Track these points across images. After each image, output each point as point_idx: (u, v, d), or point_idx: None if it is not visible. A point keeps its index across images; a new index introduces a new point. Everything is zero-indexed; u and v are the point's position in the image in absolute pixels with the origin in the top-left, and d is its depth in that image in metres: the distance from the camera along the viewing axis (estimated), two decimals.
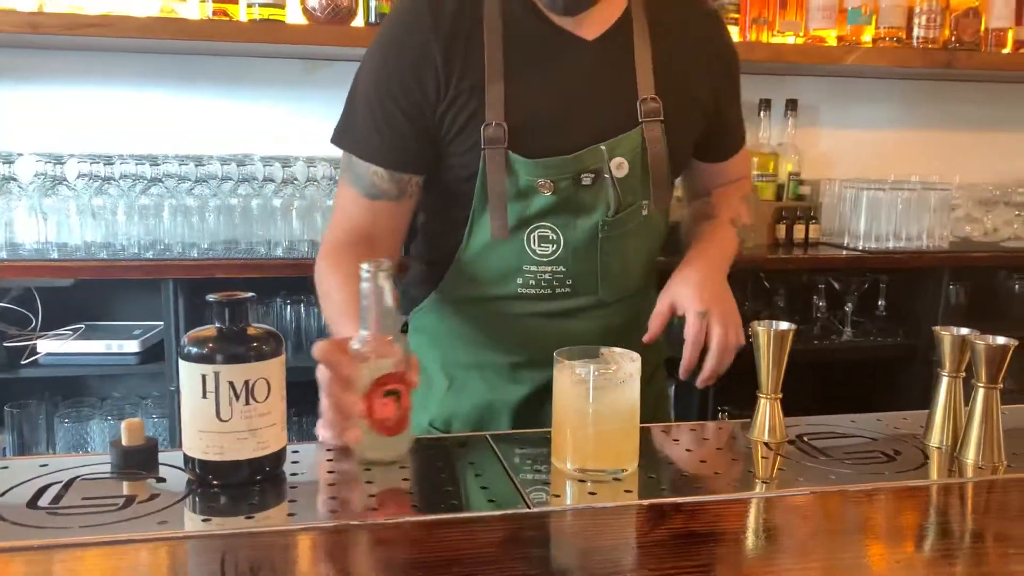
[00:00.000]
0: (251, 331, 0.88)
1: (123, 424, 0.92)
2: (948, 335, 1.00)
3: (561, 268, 1.17)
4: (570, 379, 0.91)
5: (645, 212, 1.18)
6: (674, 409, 2.33)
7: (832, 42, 2.28)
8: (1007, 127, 2.69)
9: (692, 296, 1.15)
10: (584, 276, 1.18)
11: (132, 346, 2.00)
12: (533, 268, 1.16)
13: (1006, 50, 2.39)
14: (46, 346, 1.98)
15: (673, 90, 1.17)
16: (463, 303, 1.22)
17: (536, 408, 1.20)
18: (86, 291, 2.06)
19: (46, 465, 0.91)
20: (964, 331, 1.00)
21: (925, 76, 2.53)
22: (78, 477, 0.88)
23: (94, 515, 0.80)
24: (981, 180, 2.60)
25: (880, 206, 2.33)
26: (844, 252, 2.36)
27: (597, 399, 0.90)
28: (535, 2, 1.13)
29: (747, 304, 2.46)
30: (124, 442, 0.91)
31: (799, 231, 2.41)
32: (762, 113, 2.43)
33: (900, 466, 0.96)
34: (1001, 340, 0.96)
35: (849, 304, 2.43)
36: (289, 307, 2.14)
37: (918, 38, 2.32)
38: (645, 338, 1.15)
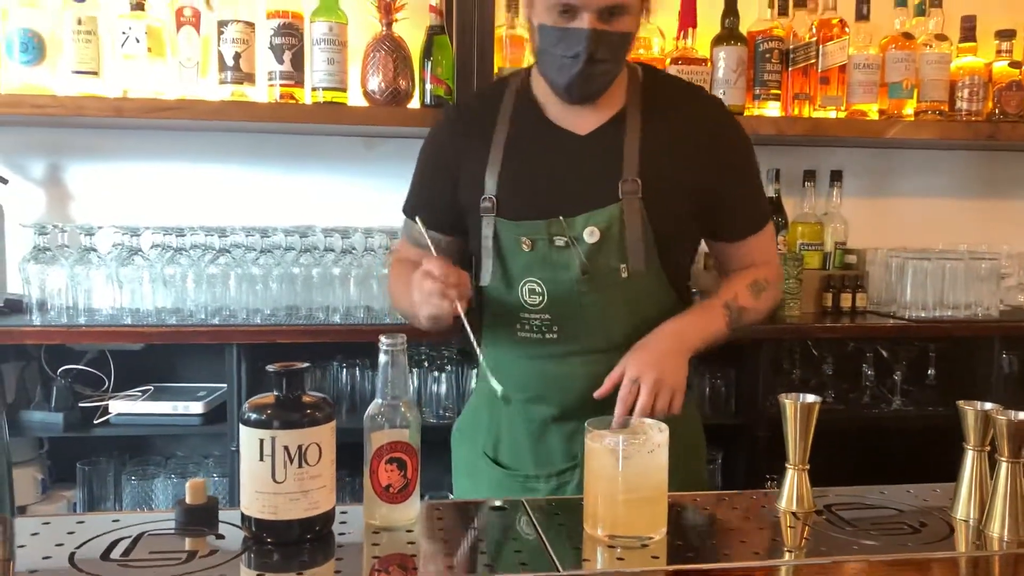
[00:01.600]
0: (306, 399, 0.96)
1: (188, 484, 1.00)
2: (971, 410, 1.03)
3: (547, 316, 1.38)
4: (601, 448, 0.96)
5: (624, 275, 1.36)
6: (721, 476, 2.34)
7: (874, 116, 2.32)
8: None
9: (633, 362, 1.30)
10: (568, 325, 1.38)
11: (197, 407, 2.09)
12: (526, 315, 1.40)
13: None
14: (117, 406, 2.08)
15: (657, 171, 1.36)
16: (491, 340, 1.46)
17: (538, 441, 1.41)
18: (156, 354, 2.18)
19: (117, 520, 1.00)
20: (988, 406, 1.03)
21: (971, 147, 2.55)
22: (146, 532, 0.96)
23: (159, 568, 0.87)
24: None
25: (927, 275, 2.34)
26: (891, 321, 2.36)
27: (626, 468, 0.95)
28: (541, 106, 1.42)
29: (796, 372, 2.47)
30: (188, 500, 0.99)
31: (846, 300, 2.42)
32: (807, 183, 2.47)
33: (925, 538, 0.99)
34: (1022, 415, 0.99)
35: (898, 373, 2.43)
36: (345, 371, 2.22)
37: (961, 111, 2.35)
38: (596, 393, 1.30)
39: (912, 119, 2.34)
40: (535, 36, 1.36)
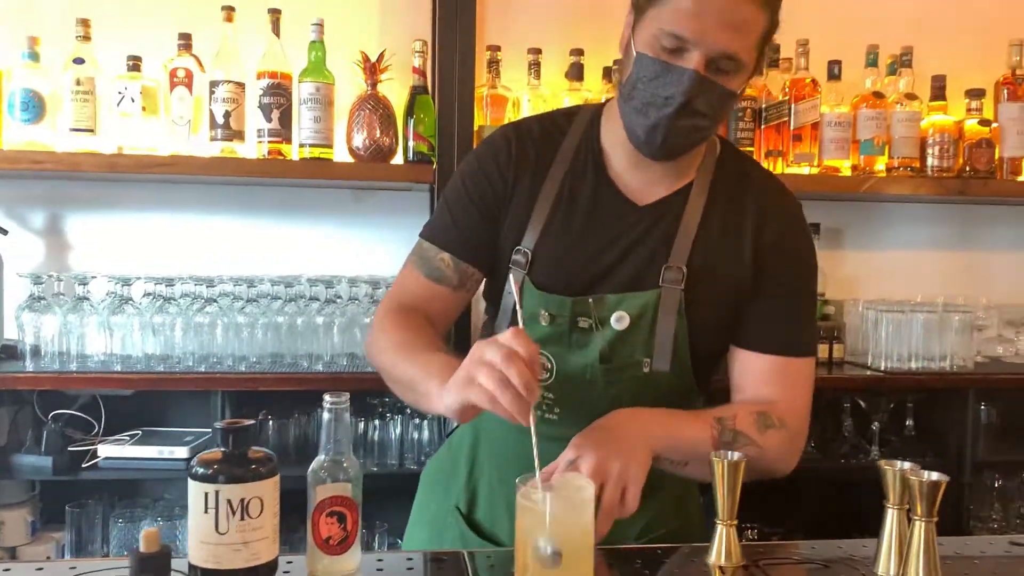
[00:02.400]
0: (251, 455, 1.02)
1: (142, 533, 1.05)
2: (890, 469, 1.08)
3: (551, 395, 1.27)
4: (528, 505, 1.01)
5: (646, 370, 1.24)
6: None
7: (846, 172, 2.38)
8: None
9: (577, 440, 1.13)
10: (573, 409, 1.26)
11: (182, 452, 2.14)
12: None
13: (1022, 177, 2.45)
14: (106, 450, 2.14)
15: (706, 263, 1.24)
16: None
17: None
18: (144, 400, 2.24)
19: (74, 568, 1.05)
20: (907, 465, 1.08)
21: (945, 201, 2.60)
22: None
23: None
24: (1010, 301, 2.62)
25: (901, 327, 2.38)
26: (868, 372, 2.40)
27: (553, 524, 1.00)
28: (606, 157, 1.28)
29: None
30: (141, 549, 1.05)
31: (823, 350, 2.46)
32: None
33: None
34: (935, 476, 1.03)
35: (876, 424, 2.46)
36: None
37: (932, 167, 2.41)
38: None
39: (884, 175, 2.40)
40: (627, 67, 1.20)
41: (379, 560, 1.09)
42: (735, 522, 1.11)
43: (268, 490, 1.01)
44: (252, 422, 1.03)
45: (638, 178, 1.28)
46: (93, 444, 2.17)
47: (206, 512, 0.98)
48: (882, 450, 2.47)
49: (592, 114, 1.33)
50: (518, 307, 1.12)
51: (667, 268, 1.24)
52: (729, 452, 1.11)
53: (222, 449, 1.01)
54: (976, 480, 2.46)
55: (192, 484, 0.99)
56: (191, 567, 1.00)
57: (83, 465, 2.14)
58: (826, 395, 2.46)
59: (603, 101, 1.34)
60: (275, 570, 1.03)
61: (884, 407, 2.47)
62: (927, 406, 2.48)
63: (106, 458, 2.14)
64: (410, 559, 1.12)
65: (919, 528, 1.03)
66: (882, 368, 2.38)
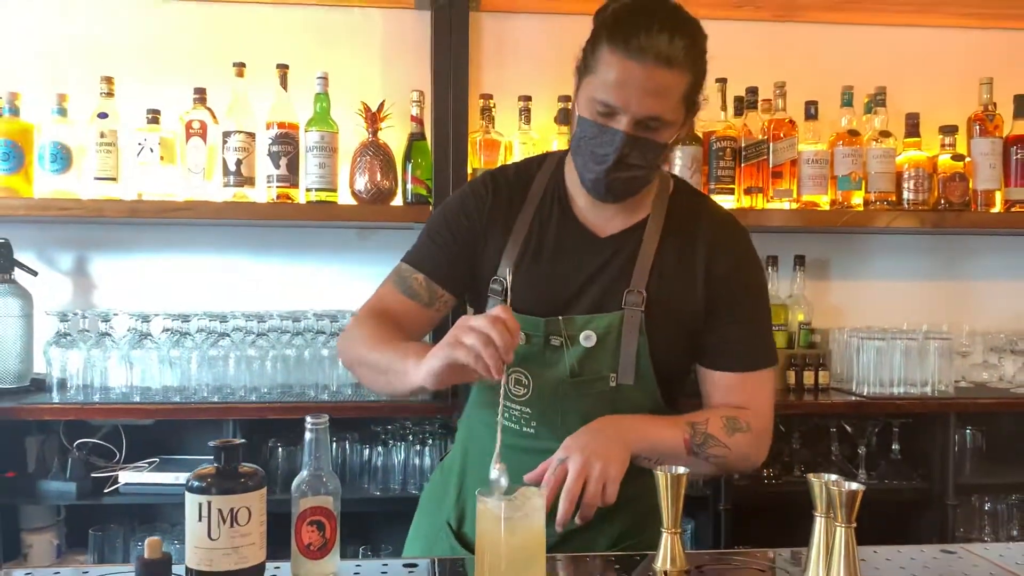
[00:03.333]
0: (241, 469, 1.15)
1: (146, 541, 1.19)
2: (817, 481, 1.18)
3: (528, 410, 1.41)
4: (485, 511, 1.14)
5: (613, 384, 1.38)
6: (692, 545, 2.46)
7: (825, 206, 2.50)
8: (1015, 276, 2.82)
9: (566, 443, 1.27)
10: (547, 423, 1.40)
11: None
12: (508, 403, 1.41)
13: (996, 209, 2.55)
14: (126, 476, 2.28)
15: (663, 287, 1.39)
16: (474, 421, 1.51)
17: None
18: (163, 429, 2.39)
19: (87, 572, 1.19)
20: (833, 477, 1.18)
21: (925, 232, 2.70)
22: None
23: None
24: (993, 328, 2.70)
25: (883, 354, 2.47)
26: (852, 397, 2.49)
27: (507, 529, 1.12)
28: (570, 197, 1.45)
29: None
30: (146, 555, 1.18)
31: (809, 377, 2.56)
32: (770, 268, 2.64)
33: None
34: (854, 486, 1.14)
35: (862, 447, 2.55)
36: (335, 444, 2.41)
37: (908, 200, 2.52)
38: (525, 477, 1.25)
39: (861, 208, 2.51)
40: (574, 125, 1.37)
41: (357, 566, 1.21)
42: (679, 530, 1.22)
43: (255, 501, 1.14)
44: (242, 441, 1.16)
45: (597, 214, 1.44)
46: (115, 471, 2.31)
47: (200, 520, 1.11)
48: (870, 473, 2.56)
49: (558, 159, 1.50)
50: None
51: (628, 292, 1.39)
52: (672, 467, 1.22)
53: (215, 465, 1.15)
54: (964, 502, 2.53)
55: (188, 496, 1.13)
56: (187, 570, 1.13)
57: (105, 491, 2.27)
58: (813, 420, 2.56)
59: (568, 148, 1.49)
60: (262, 573, 1.15)
61: (870, 431, 2.56)
62: (912, 430, 2.55)
63: (127, 484, 2.28)
64: (384, 564, 1.24)
65: (840, 533, 1.14)
66: (865, 393, 2.47)
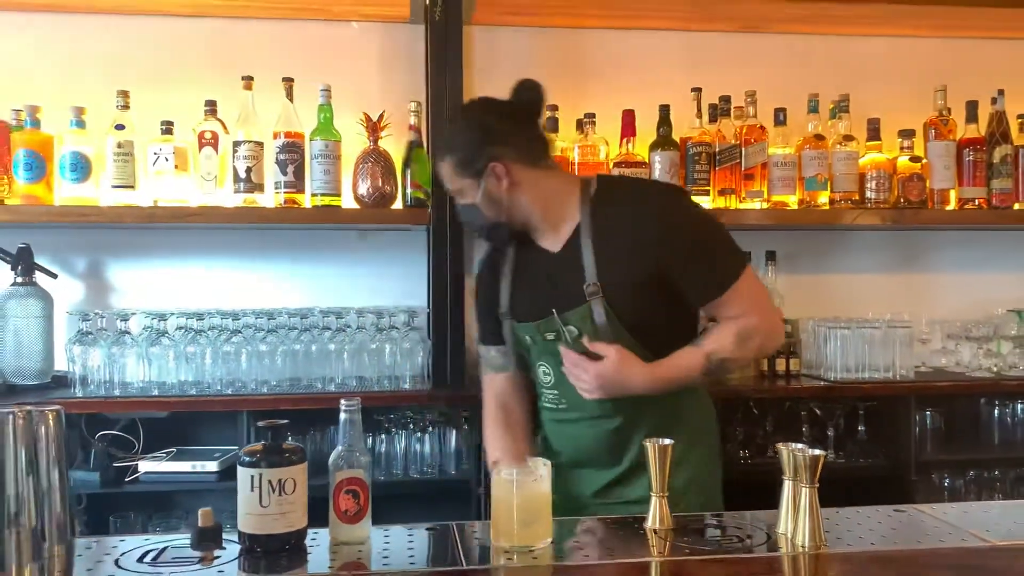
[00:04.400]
0: (285, 446, 1.32)
1: (200, 511, 1.36)
2: (785, 449, 1.37)
3: (556, 392, 1.81)
4: (500, 479, 1.31)
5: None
6: None
7: (794, 205, 2.70)
8: (970, 268, 3.03)
9: (598, 368, 1.69)
10: (571, 398, 1.77)
11: (212, 466, 2.42)
12: (543, 390, 1.84)
13: (950, 207, 2.76)
14: (145, 466, 2.43)
15: (612, 272, 1.70)
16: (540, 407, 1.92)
17: (558, 481, 1.67)
18: (179, 421, 2.53)
19: (148, 539, 1.35)
20: (799, 446, 1.37)
21: (887, 228, 2.91)
22: (168, 546, 1.32)
23: (179, 568, 1.23)
24: (951, 317, 2.91)
25: (849, 342, 2.67)
26: (821, 382, 2.68)
27: (518, 493, 1.30)
28: (532, 236, 1.83)
29: (740, 430, 2.78)
30: (200, 523, 1.35)
31: (781, 364, 2.76)
32: None
33: (749, 545, 1.32)
34: (816, 452, 1.32)
35: (831, 429, 2.75)
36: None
37: (870, 199, 2.72)
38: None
39: (827, 207, 2.71)
40: None
41: (385, 530, 1.39)
42: (666, 494, 1.40)
43: (299, 473, 1.31)
44: (285, 421, 1.33)
45: (547, 236, 1.81)
46: (134, 461, 2.45)
47: (252, 491, 1.28)
48: (838, 453, 2.75)
49: None
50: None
51: (586, 286, 1.71)
52: (659, 439, 1.41)
53: (263, 443, 1.32)
54: (925, 479, 2.73)
55: (241, 470, 1.30)
56: (240, 534, 1.30)
57: (126, 479, 2.42)
58: (785, 404, 2.75)
59: None
60: (304, 536, 1.32)
61: (838, 414, 2.76)
62: (877, 412, 2.75)
63: (146, 473, 2.41)
64: (411, 529, 1.41)
65: (804, 493, 1.32)
66: (833, 379, 2.67)
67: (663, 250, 1.68)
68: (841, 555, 1.28)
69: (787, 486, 1.38)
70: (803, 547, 1.31)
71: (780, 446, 1.38)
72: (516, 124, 1.79)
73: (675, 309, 1.76)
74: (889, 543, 1.34)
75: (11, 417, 1.21)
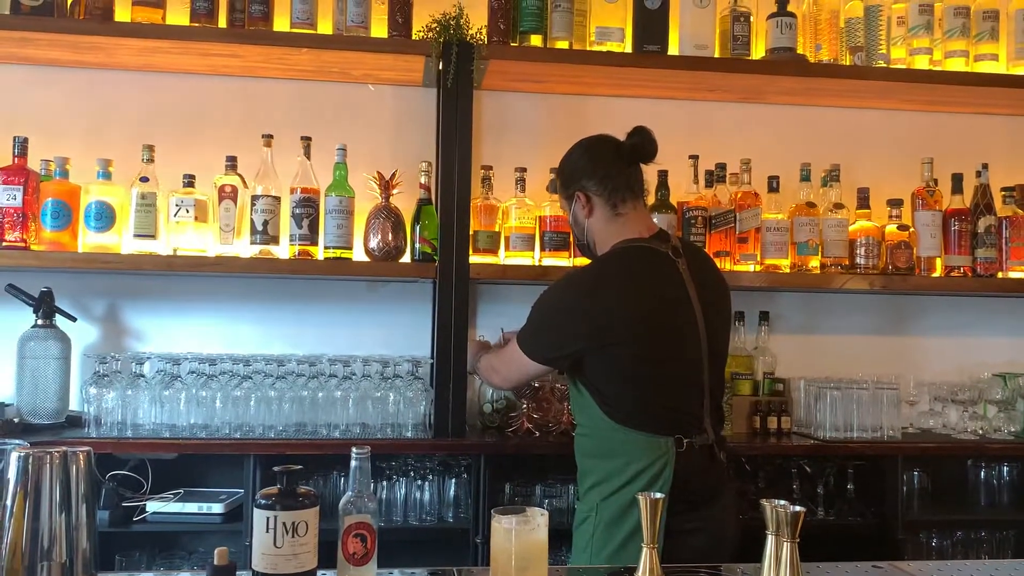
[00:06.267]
0: (300, 491, 1.41)
1: (216, 551, 1.43)
2: (768, 505, 1.45)
3: None
4: (499, 528, 1.40)
5: None
6: None
7: (786, 269, 2.81)
8: (956, 333, 3.13)
9: None
10: None
11: (218, 508, 2.49)
12: None
13: (937, 274, 2.88)
14: (153, 506, 2.49)
15: None
16: None
17: None
18: (187, 463, 2.60)
19: (163, 574, 1.43)
20: (781, 503, 1.45)
21: (876, 292, 3.01)
22: None
23: None
24: (938, 380, 3.00)
25: (839, 402, 2.76)
26: (811, 441, 2.76)
27: (516, 541, 1.38)
28: None
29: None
30: (215, 563, 1.43)
31: (772, 422, 2.84)
32: (738, 323, 2.93)
33: None
34: (796, 508, 1.41)
35: (821, 487, 2.82)
36: (343, 478, 2.64)
37: (860, 265, 2.84)
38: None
39: (818, 272, 2.82)
40: None
41: (390, 572, 1.47)
42: (655, 545, 1.48)
43: (311, 516, 1.39)
44: (300, 467, 1.42)
45: None
46: (142, 501, 2.52)
47: (267, 532, 1.37)
48: (828, 510, 2.82)
49: None
50: None
51: None
52: (651, 493, 1.49)
53: (278, 486, 1.40)
54: (912, 538, 2.79)
55: (256, 512, 1.38)
56: (254, 572, 1.38)
57: (134, 519, 2.49)
58: (776, 461, 2.82)
59: None
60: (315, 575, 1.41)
61: (827, 472, 2.83)
62: (865, 471, 2.82)
63: (154, 513, 2.48)
64: (412, 573, 1.49)
65: (785, 548, 1.41)
66: (823, 437, 2.75)
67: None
68: None
69: (769, 540, 1.46)
70: None
71: (763, 502, 1.46)
72: (612, 165, 2.04)
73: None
74: None
75: (48, 457, 1.30)
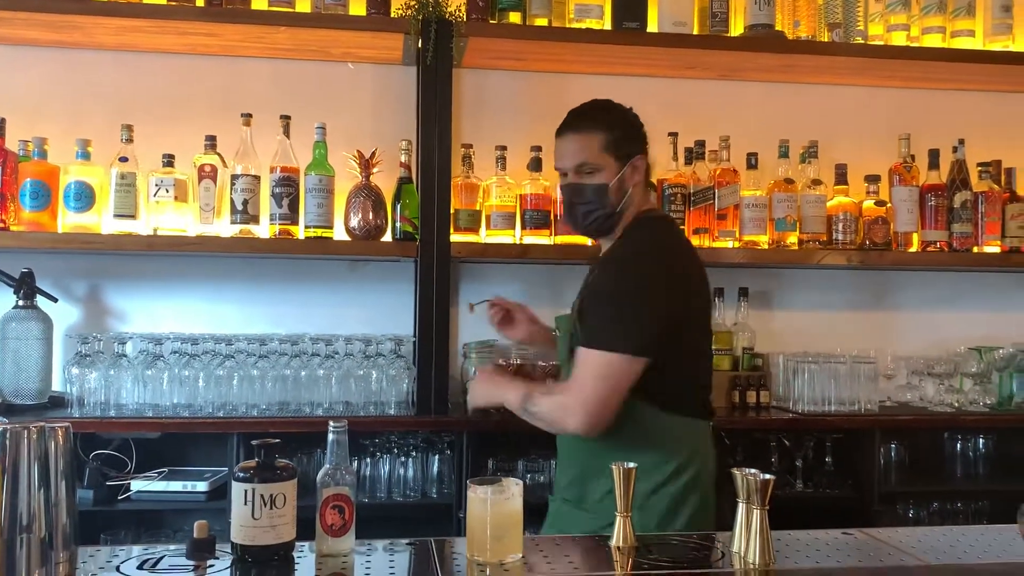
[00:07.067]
0: (278, 463, 1.43)
1: (196, 524, 1.45)
2: (739, 474, 1.48)
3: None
4: (475, 497, 1.42)
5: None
6: None
7: (764, 245, 2.83)
8: (932, 307, 3.17)
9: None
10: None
11: (202, 486, 2.50)
12: None
13: (913, 249, 2.91)
14: (137, 485, 2.50)
15: (586, 289, 1.98)
16: None
17: None
18: (170, 442, 2.61)
19: (146, 548, 1.45)
20: (753, 471, 1.48)
21: (853, 268, 3.05)
22: (165, 555, 1.42)
23: (175, 574, 1.33)
24: (915, 354, 3.04)
25: (816, 376, 2.80)
26: (789, 415, 2.80)
27: (492, 510, 1.40)
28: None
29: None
30: (195, 535, 1.45)
31: (751, 396, 2.88)
32: (717, 299, 2.96)
33: (703, 560, 1.43)
34: (765, 476, 1.44)
35: (799, 460, 2.86)
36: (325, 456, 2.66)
37: (837, 240, 2.86)
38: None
39: (796, 247, 2.85)
40: None
41: (368, 543, 1.49)
42: (629, 513, 1.51)
43: (289, 489, 1.41)
44: (278, 440, 1.44)
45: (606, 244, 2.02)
46: (127, 480, 2.54)
47: (245, 504, 1.39)
48: (806, 483, 2.86)
49: None
50: None
51: (576, 298, 1.97)
52: (625, 463, 1.52)
53: (256, 460, 1.42)
54: (889, 510, 2.84)
55: (235, 484, 1.40)
56: (233, 544, 1.40)
57: (118, 497, 2.50)
58: (755, 435, 2.86)
59: None
60: (293, 547, 1.42)
61: (806, 445, 2.87)
62: (843, 444, 2.87)
63: (138, 491, 2.50)
64: (390, 542, 1.52)
65: (755, 514, 1.44)
66: (801, 411, 2.79)
67: (597, 278, 1.93)
68: (785, 571, 1.39)
69: (740, 508, 1.49)
70: (753, 564, 1.42)
71: (734, 471, 1.49)
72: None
73: None
74: (832, 562, 1.45)
75: (25, 432, 1.31)
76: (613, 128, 1.92)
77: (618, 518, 1.52)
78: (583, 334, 1.81)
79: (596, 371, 1.76)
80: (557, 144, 1.99)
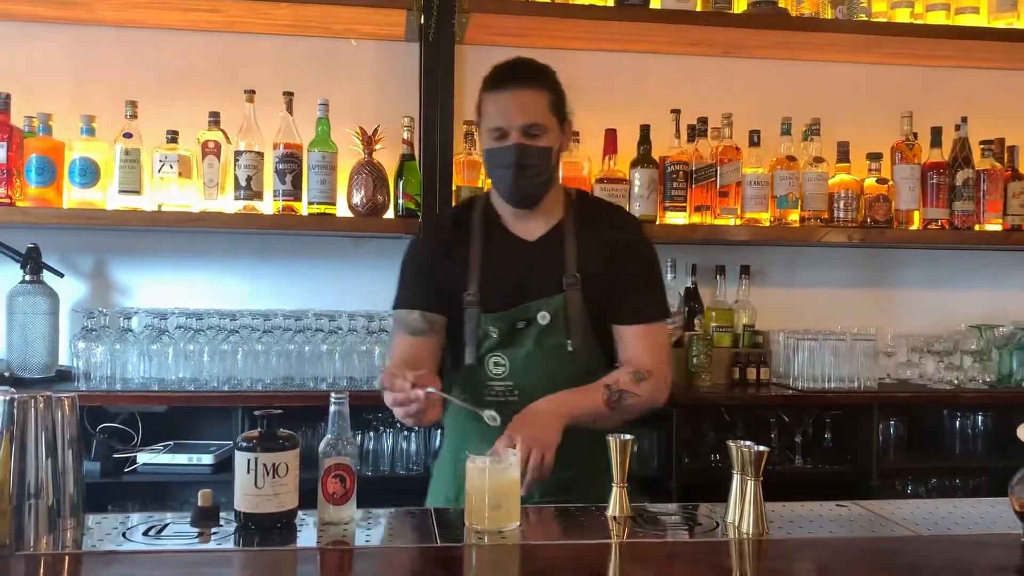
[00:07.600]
0: (280, 433, 1.45)
1: (200, 493, 1.48)
2: (734, 446, 1.50)
3: (510, 383, 1.81)
4: (474, 467, 1.44)
5: (570, 348, 1.80)
6: None
7: (766, 223, 2.84)
8: (933, 285, 3.18)
9: (511, 425, 1.64)
10: (525, 388, 1.78)
11: (208, 459, 2.53)
12: (491, 383, 1.82)
13: (915, 227, 2.91)
14: (143, 458, 2.54)
15: (589, 269, 1.82)
16: (458, 416, 1.85)
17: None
18: (176, 415, 2.64)
19: (152, 516, 1.48)
20: (748, 443, 1.50)
21: (855, 245, 3.05)
22: (170, 522, 1.45)
23: (180, 540, 1.36)
24: (915, 331, 3.05)
25: (816, 353, 2.81)
26: (789, 391, 2.82)
27: (490, 480, 1.43)
28: (501, 218, 1.87)
29: (710, 434, 2.92)
30: (199, 503, 1.48)
31: (752, 373, 2.90)
32: (719, 276, 2.98)
33: (698, 531, 1.46)
34: (760, 448, 1.46)
35: (798, 436, 2.88)
36: None
37: (838, 218, 2.87)
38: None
39: (798, 225, 2.85)
40: (484, 161, 1.85)
41: (368, 511, 1.52)
42: (625, 484, 1.54)
43: (291, 458, 1.44)
44: (280, 411, 1.46)
45: (523, 226, 1.87)
46: (133, 453, 2.57)
47: (248, 473, 1.41)
48: (805, 459, 2.89)
49: (485, 197, 1.94)
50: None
51: (565, 276, 1.81)
52: (621, 434, 1.54)
53: (259, 430, 1.45)
54: (886, 485, 2.86)
55: (238, 454, 1.43)
56: (236, 512, 1.43)
57: (125, 470, 2.54)
58: (755, 411, 2.89)
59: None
60: (295, 516, 1.45)
61: (805, 421, 2.89)
62: (842, 421, 2.89)
63: (144, 464, 2.54)
64: (391, 511, 1.55)
65: (750, 485, 1.46)
66: (801, 388, 2.81)
67: (626, 263, 1.85)
68: (778, 541, 1.41)
69: (735, 479, 1.51)
70: (747, 534, 1.44)
71: (729, 443, 1.51)
72: None
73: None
74: (824, 532, 1.47)
75: (33, 402, 1.34)
76: (555, 88, 1.81)
77: (614, 488, 1.54)
78: (645, 305, 1.85)
79: (665, 340, 1.92)
80: (492, 98, 1.78)
